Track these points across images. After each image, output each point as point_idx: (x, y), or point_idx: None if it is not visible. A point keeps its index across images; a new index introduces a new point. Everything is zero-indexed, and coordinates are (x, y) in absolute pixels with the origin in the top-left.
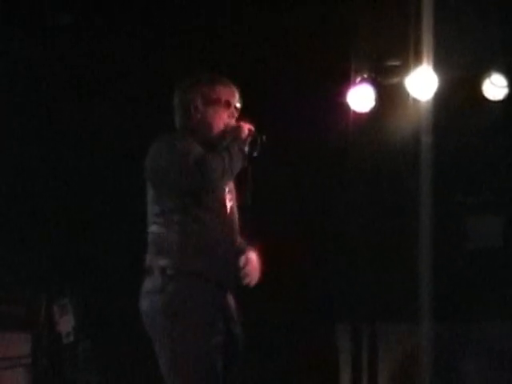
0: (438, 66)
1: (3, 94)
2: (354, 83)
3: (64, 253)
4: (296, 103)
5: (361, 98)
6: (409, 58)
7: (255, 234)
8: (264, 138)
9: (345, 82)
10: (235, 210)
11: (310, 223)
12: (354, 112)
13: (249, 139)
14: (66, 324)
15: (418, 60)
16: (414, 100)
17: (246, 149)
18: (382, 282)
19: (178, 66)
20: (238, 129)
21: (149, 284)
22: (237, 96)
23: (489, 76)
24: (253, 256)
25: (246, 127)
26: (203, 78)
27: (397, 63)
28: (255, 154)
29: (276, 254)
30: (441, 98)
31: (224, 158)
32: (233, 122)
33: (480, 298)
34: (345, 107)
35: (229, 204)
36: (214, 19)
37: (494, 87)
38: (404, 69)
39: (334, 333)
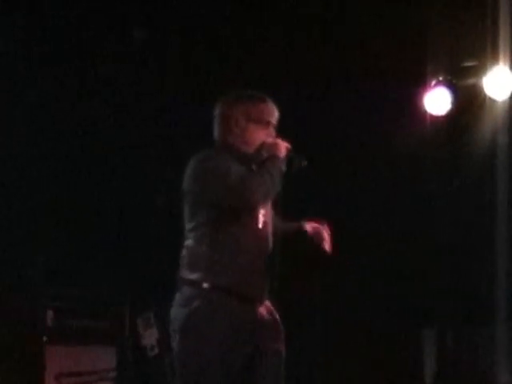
0: None
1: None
2: (430, 86)
3: (147, 266)
4: (372, 108)
5: (437, 100)
6: (485, 58)
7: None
8: (304, 163)
9: (421, 85)
10: (269, 223)
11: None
12: (431, 115)
13: (286, 158)
14: (150, 337)
15: (494, 60)
16: (491, 100)
17: (283, 167)
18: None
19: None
20: (275, 146)
21: (178, 297)
22: (276, 115)
23: None
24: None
25: (284, 145)
26: (247, 95)
27: (473, 64)
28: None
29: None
30: None
31: (266, 178)
32: (270, 140)
33: None
34: (421, 111)
35: (262, 218)
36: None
37: None
38: (480, 69)
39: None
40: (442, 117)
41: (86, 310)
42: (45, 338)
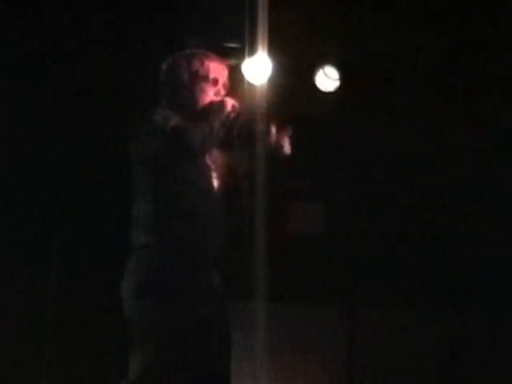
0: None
1: None
2: None
3: None
4: None
5: None
6: (244, 40)
7: None
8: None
9: None
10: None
11: None
12: None
13: (232, 115)
14: None
15: (252, 44)
16: (250, 85)
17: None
18: None
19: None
20: (221, 104)
21: (129, 263)
22: (226, 73)
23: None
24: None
25: (230, 103)
26: (191, 53)
27: (232, 45)
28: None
29: None
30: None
31: (203, 128)
32: (218, 98)
33: None
34: None
35: (214, 180)
36: None
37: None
38: (239, 52)
39: None
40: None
41: None
42: None
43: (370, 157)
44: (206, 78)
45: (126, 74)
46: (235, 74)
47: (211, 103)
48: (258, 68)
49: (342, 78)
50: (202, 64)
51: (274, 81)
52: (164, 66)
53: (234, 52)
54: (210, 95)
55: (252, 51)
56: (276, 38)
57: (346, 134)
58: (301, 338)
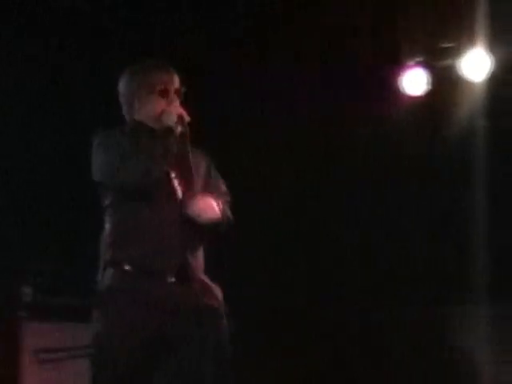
0: (493, 47)
1: None
2: (407, 67)
3: None
4: (348, 89)
5: (414, 81)
6: (462, 39)
7: None
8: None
9: (397, 66)
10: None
11: None
12: (407, 96)
13: (178, 125)
14: None
15: (471, 41)
16: (468, 82)
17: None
18: None
19: None
20: (165, 114)
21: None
22: (176, 81)
23: None
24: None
25: (174, 112)
26: (140, 67)
27: (449, 45)
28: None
29: None
30: (495, 79)
31: (142, 156)
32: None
33: None
34: (398, 92)
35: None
36: None
37: None
38: (457, 50)
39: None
40: (419, 98)
41: (65, 286)
42: (22, 314)
43: None
44: (153, 89)
45: None
46: (451, 74)
47: (160, 114)
48: (477, 65)
49: None
50: (148, 75)
51: (493, 77)
52: (120, 80)
53: (450, 51)
54: (161, 105)
55: (469, 48)
56: (495, 33)
57: None
58: None
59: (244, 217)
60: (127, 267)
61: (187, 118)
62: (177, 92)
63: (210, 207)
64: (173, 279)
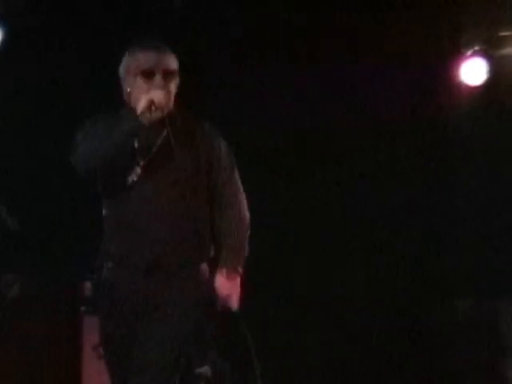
0: None
1: None
2: (466, 56)
3: None
4: (406, 79)
5: (473, 71)
6: None
7: None
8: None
9: (456, 55)
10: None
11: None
12: (467, 86)
13: (147, 112)
14: None
15: None
16: None
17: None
18: None
19: None
20: (134, 101)
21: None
22: (166, 62)
23: None
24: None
25: (145, 97)
26: (131, 48)
27: (509, 33)
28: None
29: None
30: None
31: (97, 143)
32: (159, 91)
33: None
34: (457, 81)
35: (145, 187)
36: None
37: None
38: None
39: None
40: (478, 87)
41: None
42: (83, 309)
43: None
44: (137, 72)
45: None
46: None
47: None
48: None
49: None
50: (134, 56)
51: None
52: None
53: (510, 39)
54: (144, 89)
55: None
56: None
57: None
58: None
59: None
60: (108, 263)
61: (162, 103)
62: (166, 74)
63: (236, 294)
64: (147, 273)
